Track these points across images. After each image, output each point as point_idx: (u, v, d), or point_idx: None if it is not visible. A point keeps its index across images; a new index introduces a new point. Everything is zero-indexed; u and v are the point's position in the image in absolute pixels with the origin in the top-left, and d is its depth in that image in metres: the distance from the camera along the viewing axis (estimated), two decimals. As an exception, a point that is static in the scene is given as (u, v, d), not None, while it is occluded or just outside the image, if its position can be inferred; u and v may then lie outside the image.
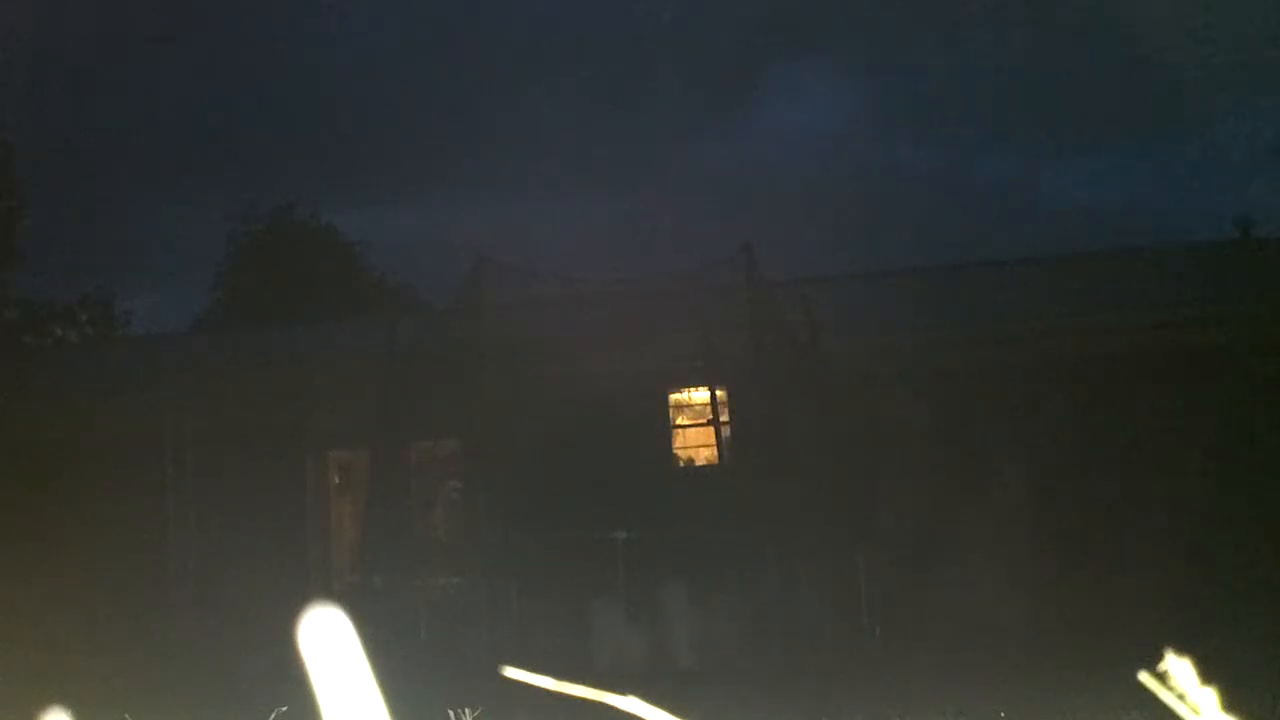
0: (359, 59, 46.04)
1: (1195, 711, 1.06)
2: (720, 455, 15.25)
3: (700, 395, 15.67)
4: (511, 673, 1.18)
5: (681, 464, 15.74)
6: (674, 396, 15.85)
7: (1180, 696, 1.06)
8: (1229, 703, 1.09)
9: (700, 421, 15.73)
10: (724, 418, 15.18)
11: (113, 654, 12.39)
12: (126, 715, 5.90)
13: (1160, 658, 1.06)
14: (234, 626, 13.10)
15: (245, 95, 45.84)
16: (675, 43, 46.81)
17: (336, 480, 16.74)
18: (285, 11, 46.03)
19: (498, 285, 14.78)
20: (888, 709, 7.08)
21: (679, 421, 15.96)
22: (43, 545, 14.48)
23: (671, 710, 1.16)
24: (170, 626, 14.32)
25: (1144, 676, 1.09)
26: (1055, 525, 13.49)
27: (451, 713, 5.55)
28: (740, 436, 15.10)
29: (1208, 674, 1.06)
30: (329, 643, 0.95)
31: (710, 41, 45.61)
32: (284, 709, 5.10)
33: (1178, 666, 1.05)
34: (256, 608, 11.78)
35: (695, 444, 15.72)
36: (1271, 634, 9.95)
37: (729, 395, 15.13)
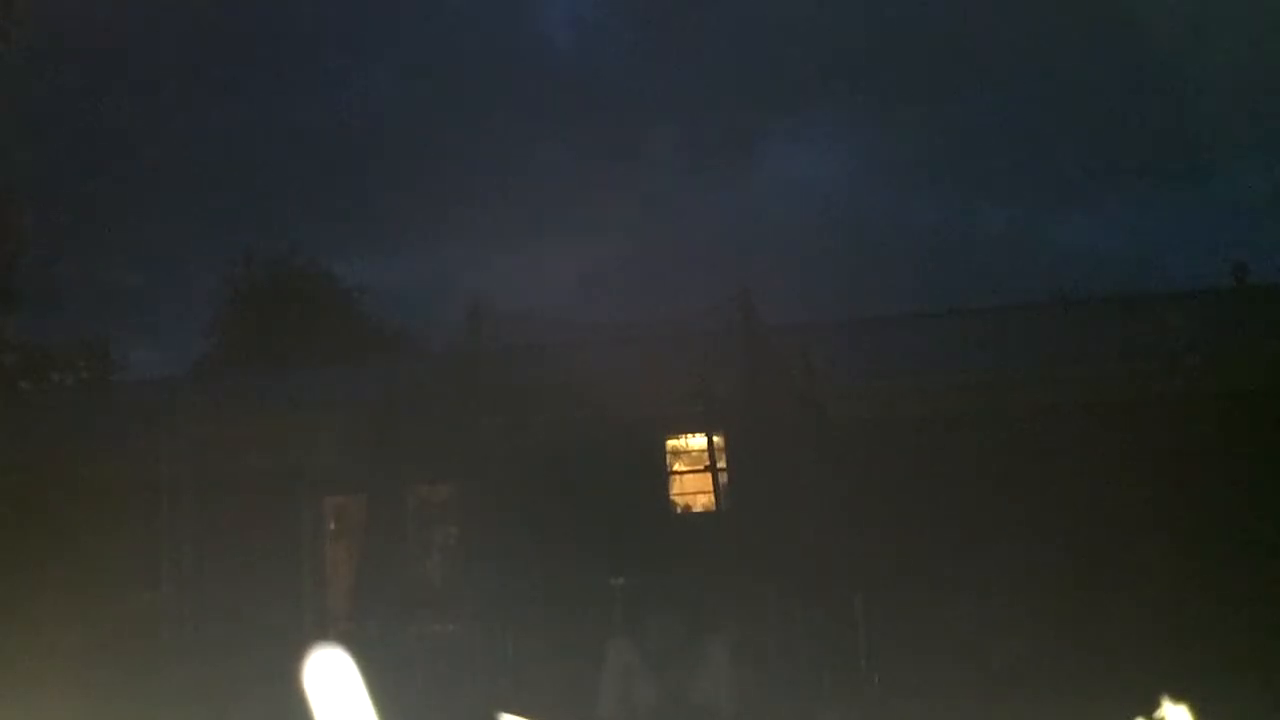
0: (356, 108, 46.35)
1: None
2: (718, 501, 15.19)
3: (698, 441, 15.62)
4: (508, 719, 1.18)
5: (679, 510, 15.67)
6: (671, 442, 15.80)
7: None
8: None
9: (698, 467, 15.67)
10: (721, 463, 15.13)
11: (107, 697, 12.28)
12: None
13: (1159, 704, 1.06)
14: (229, 671, 13.00)
15: (244, 142, 46.06)
16: (674, 94, 47.21)
17: (332, 526, 16.65)
18: (285, 59, 46.41)
19: (494, 330, 14.80)
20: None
21: (676, 467, 15.90)
22: (38, 589, 14.40)
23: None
24: (165, 670, 14.20)
25: (1142, 722, 1.09)
26: (1055, 571, 13.43)
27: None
28: (738, 482, 15.05)
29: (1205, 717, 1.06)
30: (326, 687, 0.95)
31: (708, 95, 46.02)
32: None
33: (1175, 713, 1.05)
34: (251, 652, 11.70)
35: (693, 490, 15.66)
36: (1270, 678, 9.91)
37: (726, 441, 15.08)
